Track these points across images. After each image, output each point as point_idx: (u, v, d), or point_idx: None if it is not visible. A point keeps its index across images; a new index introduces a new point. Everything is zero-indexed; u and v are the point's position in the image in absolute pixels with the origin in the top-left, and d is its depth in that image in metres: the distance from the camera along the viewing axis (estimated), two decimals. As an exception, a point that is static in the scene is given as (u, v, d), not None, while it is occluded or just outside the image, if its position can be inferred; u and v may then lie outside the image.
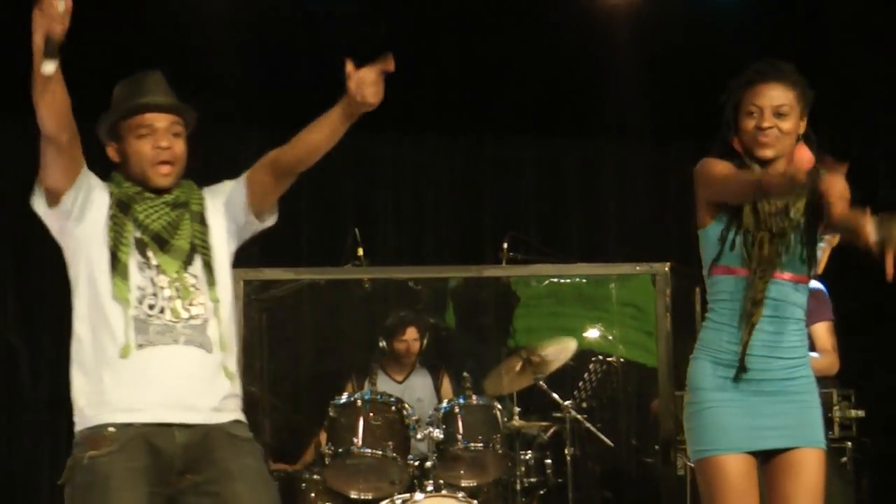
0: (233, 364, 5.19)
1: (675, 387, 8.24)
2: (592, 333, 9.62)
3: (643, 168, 10.90)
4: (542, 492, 9.17)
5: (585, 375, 9.52)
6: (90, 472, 4.91)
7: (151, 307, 4.93)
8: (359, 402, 8.40)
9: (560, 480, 9.21)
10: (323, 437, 8.81)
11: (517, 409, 9.11)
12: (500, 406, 8.77)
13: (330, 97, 5.31)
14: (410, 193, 10.76)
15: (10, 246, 10.04)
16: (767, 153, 5.20)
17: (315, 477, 8.80)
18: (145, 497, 4.89)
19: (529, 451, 9.14)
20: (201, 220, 5.28)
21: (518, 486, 8.93)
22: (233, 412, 5.12)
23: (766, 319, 5.34)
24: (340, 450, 8.27)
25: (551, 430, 9.32)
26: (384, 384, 9.23)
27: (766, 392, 5.34)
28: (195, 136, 5.86)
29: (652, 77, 9.66)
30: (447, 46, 9.48)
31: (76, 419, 5.06)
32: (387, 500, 8.24)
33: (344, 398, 8.57)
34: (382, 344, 9.38)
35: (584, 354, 9.50)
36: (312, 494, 8.89)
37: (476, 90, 9.82)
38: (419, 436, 8.51)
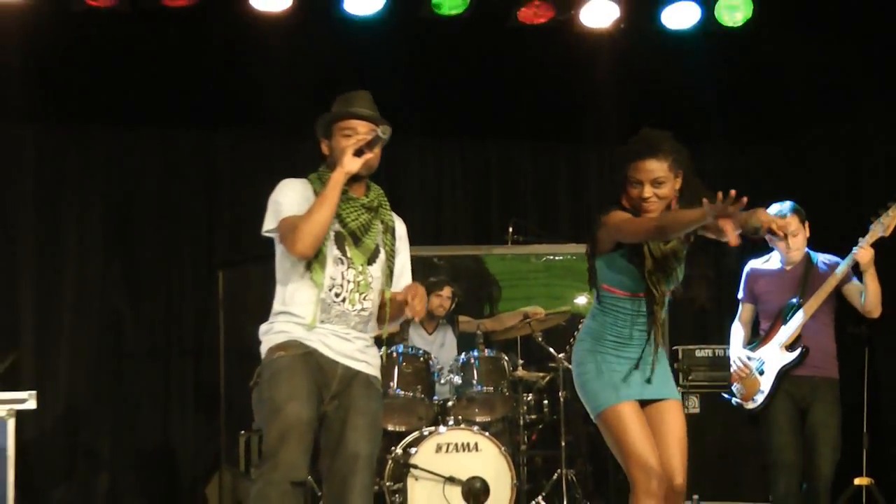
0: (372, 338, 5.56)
1: None
2: (580, 300, 9.56)
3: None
4: (540, 426, 9.35)
5: (574, 333, 9.43)
6: (276, 364, 5.30)
7: (337, 295, 5.26)
8: (394, 354, 8.47)
9: (554, 417, 9.26)
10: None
11: (520, 361, 9.18)
12: (506, 358, 8.92)
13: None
14: (432, 187, 10.75)
15: (114, 224, 10.07)
16: (651, 215, 5.32)
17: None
18: (311, 386, 5.26)
19: (530, 394, 9.24)
20: (392, 233, 5.55)
21: (521, 422, 9.05)
22: (374, 369, 5.44)
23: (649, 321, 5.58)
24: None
25: (548, 378, 9.34)
26: (417, 333, 9.33)
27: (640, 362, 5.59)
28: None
29: (626, 94, 9.54)
30: (460, 71, 9.45)
31: (267, 341, 5.42)
32: (416, 432, 8.41)
33: (379, 350, 8.61)
34: None
35: (574, 317, 9.44)
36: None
37: (485, 104, 9.81)
38: (442, 381, 8.68)
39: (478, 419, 8.71)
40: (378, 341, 5.67)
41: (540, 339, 9.26)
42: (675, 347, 9.02)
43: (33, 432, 9.06)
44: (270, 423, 5.26)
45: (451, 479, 8.04)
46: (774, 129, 10.53)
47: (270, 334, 5.40)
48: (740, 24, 8.41)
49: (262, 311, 5.44)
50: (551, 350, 9.19)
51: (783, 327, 7.16)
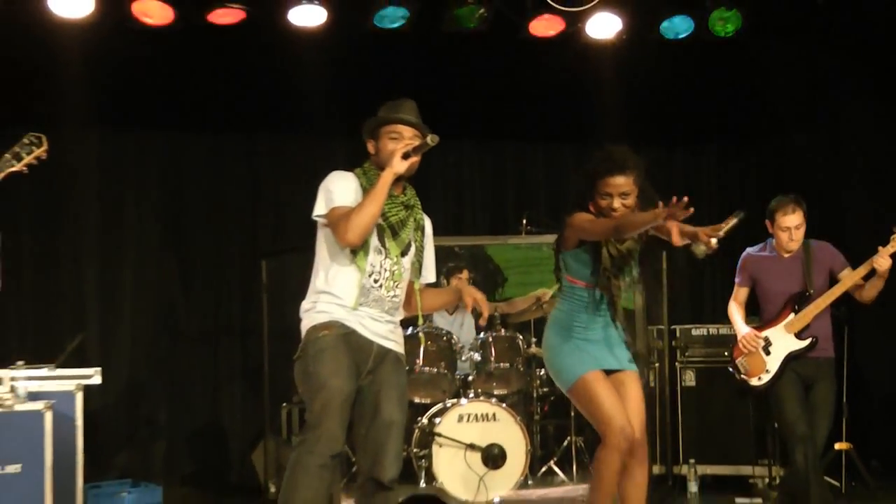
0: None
1: (647, 322, 8.55)
2: None
3: None
4: (551, 398, 9.32)
5: None
6: (321, 342, 5.38)
7: (375, 281, 5.36)
8: (420, 334, 8.38)
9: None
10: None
11: (533, 339, 9.07)
12: (521, 337, 8.87)
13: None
14: (454, 184, 10.79)
15: (168, 219, 10.12)
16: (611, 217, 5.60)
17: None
18: (351, 363, 5.36)
19: (542, 369, 9.08)
20: (422, 230, 5.66)
21: (534, 395, 9.11)
22: (401, 348, 5.57)
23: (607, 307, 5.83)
24: (407, 367, 8.47)
25: None
26: (440, 315, 9.37)
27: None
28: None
29: (627, 98, 9.53)
30: (477, 79, 9.39)
31: (310, 319, 5.49)
32: (440, 404, 8.45)
33: (409, 331, 8.67)
34: (444, 283, 9.25)
35: None
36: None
37: (501, 109, 9.84)
38: (463, 358, 8.70)
39: (495, 392, 8.73)
40: (406, 323, 5.79)
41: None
42: (672, 326, 9.13)
43: (98, 404, 9.02)
44: (315, 396, 5.34)
45: (471, 446, 8.08)
46: (761, 130, 10.52)
47: (313, 313, 5.46)
48: (731, 34, 8.36)
49: (301, 295, 5.49)
50: None
51: (792, 315, 7.09)
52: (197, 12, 8.03)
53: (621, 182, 5.54)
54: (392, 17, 8.22)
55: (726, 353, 8.60)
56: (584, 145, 10.26)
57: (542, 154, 10.76)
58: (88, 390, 8.13)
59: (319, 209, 5.50)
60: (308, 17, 8.10)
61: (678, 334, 9.13)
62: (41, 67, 8.53)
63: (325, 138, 10.15)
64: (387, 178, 5.33)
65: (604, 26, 8.29)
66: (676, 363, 9.10)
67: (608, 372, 5.79)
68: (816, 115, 10.13)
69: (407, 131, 5.54)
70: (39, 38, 8.08)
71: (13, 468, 7.55)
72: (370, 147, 5.63)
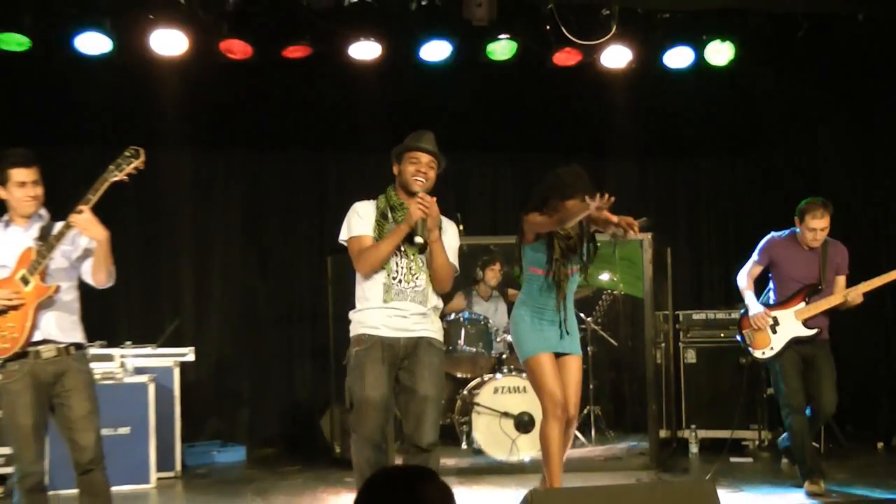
0: (432, 309, 5.73)
1: (654, 309, 8.46)
2: (604, 277, 9.44)
3: (631, 176, 10.80)
4: None
5: (599, 302, 9.49)
6: (356, 359, 5.53)
7: (394, 278, 5.50)
8: (461, 318, 8.61)
9: (585, 367, 9.24)
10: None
11: None
12: None
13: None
14: (489, 191, 10.79)
15: (250, 222, 10.12)
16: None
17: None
18: (385, 370, 5.47)
19: None
20: (441, 230, 5.68)
21: None
22: (432, 332, 5.63)
23: (559, 293, 6.00)
24: (450, 347, 8.44)
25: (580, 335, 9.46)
26: (476, 300, 9.40)
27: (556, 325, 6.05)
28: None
29: (635, 118, 9.55)
30: (509, 102, 9.38)
31: (352, 329, 5.67)
32: (478, 378, 8.55)
33: (451, 316, 8.66)
34: (479, 274, 9.37)
35: (599, 290, 9.49)
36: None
37: (528, 126, 9.78)
38: (497, 339, 8.75)
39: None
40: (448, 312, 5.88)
41: None
42: (676, 312, 9.11)
43: (192, 378, 9.21)
44: (354, 405, 5.57)
45: (505, 414, 8.14)
46: (751, 147, 10.48)
47: (354, 323, 5.69)
48: (725, 64, 8.32)
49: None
50: (581, 315, 9.15)
51: (803, 305, 7.04)
52: (273, 48, 8.04)
53: (570, 205, 5.74)
54: (436, 51, 8.22)
55: (723, 335, 8.67)
56: (599, 157, 10.32)
57: (563, 165, 10.57)
58: (184, 366, 8.43)
59: (343, 235, 5.75)
60: (365, 51, 8.08)
61: (681, 318, 9.13)
62: (146, 96, 8.61)
63: (379, 154, 9.97)
64: (401, 230, 5.52)
65: (616, 57, 8.22)
66: (679, 343, 9.10)
67: (557, 354, 6.05)
68: (794, 132, 10.12)
69: (424, 157, 5.65)
70: (142, 72, 8.13)
71: (124, 430, 7.79)
72: (395, 169, 5.72)
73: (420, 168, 5.64)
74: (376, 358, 5.55)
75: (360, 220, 5.73)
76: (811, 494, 6.86)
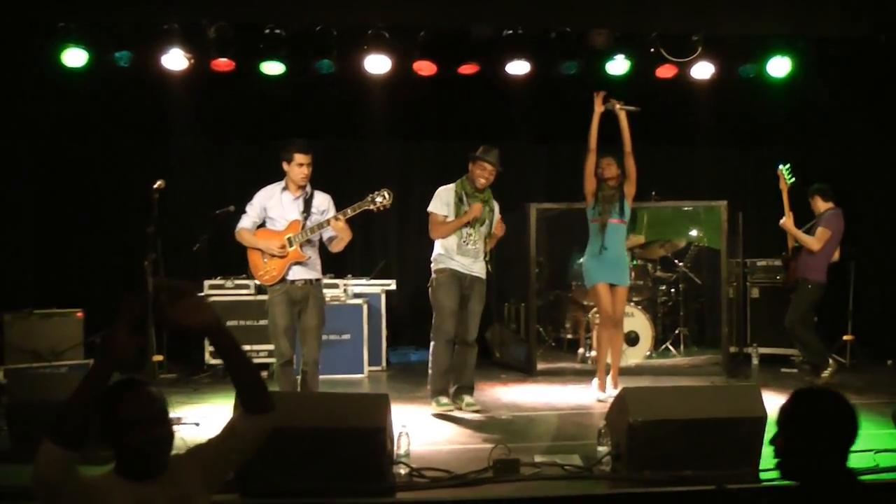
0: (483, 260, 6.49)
1: (728, 257, 8.41)
2: (692, 233, 9.44)
3: (711, 161, 10.49)
4: (669, 304, 9.37)
5: (688, 252, 9.45)
6: (438, 280, 6.40)
7: (464, 241, 6.33)
8: None
9: (678, 298, 9.35)
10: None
11: (658, 266, 9.26)
12: (650, 264, 9.06)
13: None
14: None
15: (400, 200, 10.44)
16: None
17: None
18: (457, 289, 6.35)
19: (663, 285, 9.31)
20: (493, 210, 6.51)
21: (657, 301, 9.22)
22: (484, 274, 6.45)
23: (608, 236, 6.66)
24: (580, 283, 8.74)
25: (674, 276, 9.38)
26: None
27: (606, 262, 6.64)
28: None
29: (719, 118, 9.34)
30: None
31: (435, 264, 6.47)
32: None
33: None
34: None
35: (688, 243, 9.46)
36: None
37: (638, 126, 9.46)
38: None
39: (634, 298, 8.72)
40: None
41: (668, 255, 9.35)
42: (745, 259, 8.99)
43: (395, 301, 9.35)
44: (438, 311, 6.39)
45: (616, 331, 8.28)
46: (801, 145, 10.03)
47: (436, 263, 6.43)
48: (784, 76, 8.19)
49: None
50: (675, 261, 9.33)
51: None
52: (451, 67, 8.04)
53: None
54: (567, 68, 8.08)
55: (778, 277, 8.70)
56: (688, 146, 10.23)
57: (666, 153, 10.31)
58: (389, 293, 8.77)
59: (429, 208, 6.49)
60: (517, 68, 7.97)
61: (748, 265, 9.05)
62: (362, 103, 8.81)
63: (529, 144, 10.24)
64: (462, 220, 6.37)
65: (703, 70, 8.17)
66: (747, 283, 9.04)
67: (611, 284, 6.70)
68: (834, 133, 9.80)
69: (489, 167, 6.32)
70: (362, 87, 8.32)
71: (346, 336, 8.33)
72: (470, 167, 6.41)
73: (485, 174, 6.35)
74: (454, 282, 6.37)
75: (440, 203, 6.49)
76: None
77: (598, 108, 6.75)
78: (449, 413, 6.42)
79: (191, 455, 2.70)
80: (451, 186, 6.54)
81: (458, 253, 6.45)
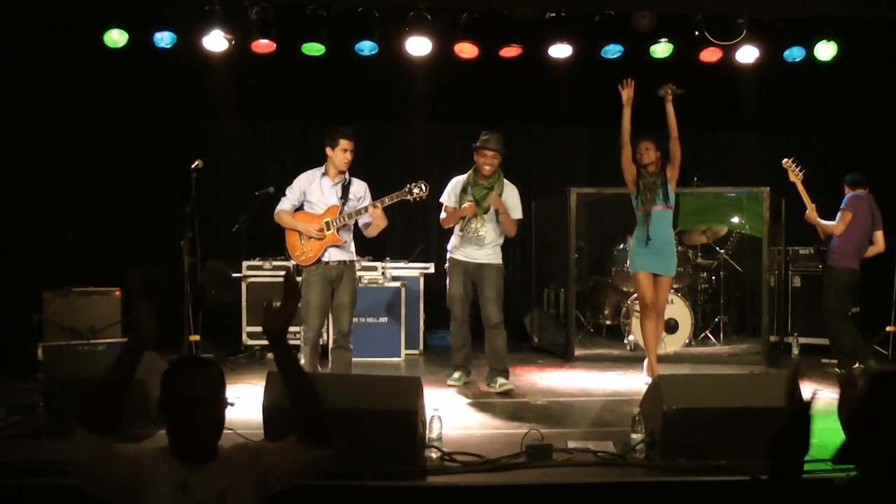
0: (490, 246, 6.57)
1: (770, 245, 8.37)
2: (734, 220, 9.32)
3: (755, 143, 10.32)
4: (709, 291, 9.26)
5: (730, 239, 9.33)
6: (448, 269, 6.59)
7: (463, 229, 6.42)
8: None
9: (719, 286, 9.22)
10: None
11: (699, 253, 9.18)
12: (691, 251, 8.96)
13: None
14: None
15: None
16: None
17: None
18: (463, 277, 6.53)
19: (704, 272, 9.21)
20: (499, 194, 6.48)
21: (698, 288, 9.10)
22: (494, 258, 6.54)
23: (652, 225, 6.63)
24: (620, 269, 8.81)
25: (715, 263, 9.27)
26: None
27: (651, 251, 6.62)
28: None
29: (765, 102, 9.26)
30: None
31: (448, 254, 6.68)
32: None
33: (622, 245, 8.93)
34: None
35: (730, 231, 9.31)
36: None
37: (684, 106, 9.38)
38: None
39: (674, 286, 8.39)
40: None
41: (710, 242, 9.23)
42: (787, 248, 8.92)
43: (433, 285, 9.19)
44: (447, 298, 6.68)
45: (656, 318, 8.25)
46: (848, 127, 9.96)
47: (448, 253, 6.62)
48: (829, 59, 8.12)
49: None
50: (717, 248, 9.22)
51: None
52: (493, 50, 8.04)
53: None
54: (610, 51, 8.13)
55: (820, 266, 8.57)
56: (732, 129, 10.14)
57: (708, 139, 10.29)
58: (427, 276, 8.79)
59: (441, 198, 6.67)
60: (560, 51, 7.99)
61: (790, 253, 8.98)
62: (405, 83, 8.86)
63: (565, 127, 10.14)
64: (459, 214, 6.50)
65: (748, 55, 8.13)
66: (789, 271, 8.97)
67: (654, 274, 6.69)
68: (882, 116, 9.58)
69: (489, 153, 6.37)
70: (404, 70, 8.35)
71: (383, 319, 8.36)
72: (474, 157, 6.50)
73: (486, 161, 6.39)
74: (460, 271, 6.52)
75: (447, 194, 6.66)
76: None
77: (628, 100, 6.60)
78: (483, 398, 6.44)
79: (246, 451, 2.64)
80: (463, 177, 6.66)
81: (461, 241, 6.61)
